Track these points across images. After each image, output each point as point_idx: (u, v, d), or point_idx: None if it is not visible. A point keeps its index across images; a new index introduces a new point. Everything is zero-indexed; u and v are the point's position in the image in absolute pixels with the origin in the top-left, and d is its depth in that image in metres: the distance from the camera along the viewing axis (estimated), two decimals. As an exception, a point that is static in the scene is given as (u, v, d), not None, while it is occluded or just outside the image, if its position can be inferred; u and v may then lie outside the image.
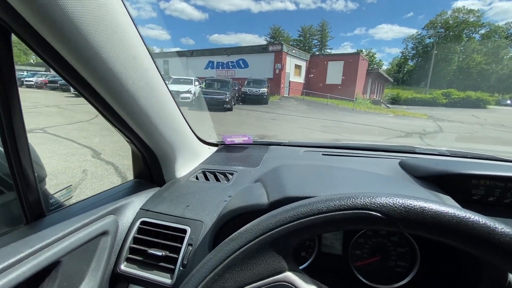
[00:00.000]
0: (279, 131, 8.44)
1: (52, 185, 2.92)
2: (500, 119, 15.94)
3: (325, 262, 0.68)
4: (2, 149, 0.64)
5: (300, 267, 0.62)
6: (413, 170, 0.90)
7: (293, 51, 23.18)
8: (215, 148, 1.28)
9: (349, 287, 0.64)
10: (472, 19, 55.87)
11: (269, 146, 1.27)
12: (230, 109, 12.64)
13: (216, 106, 12.12)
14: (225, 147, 1.29)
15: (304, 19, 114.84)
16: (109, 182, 3.12)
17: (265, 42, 58.09)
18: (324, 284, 0.57)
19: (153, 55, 0.66)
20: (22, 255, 0.49)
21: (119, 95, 0.59)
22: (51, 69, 0.54)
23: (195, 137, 1.07)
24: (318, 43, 64.39)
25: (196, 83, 14.89)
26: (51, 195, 0.70)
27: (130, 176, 3.37)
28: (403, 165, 0.95)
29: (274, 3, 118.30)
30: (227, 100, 12.39)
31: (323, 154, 1.14)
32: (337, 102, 19.47)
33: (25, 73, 21.03)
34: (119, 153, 4.23)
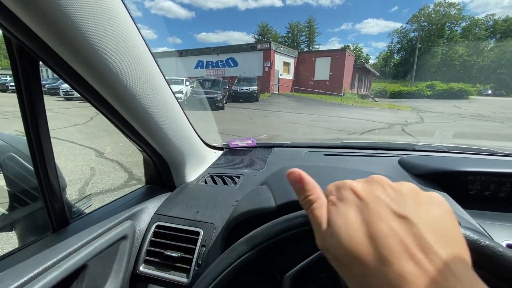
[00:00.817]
0: (271, 126, 8.81)
1: (68, 181, 3.22)
2: (479, 109, 16.80)
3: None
4: (26, 163, 0.73)
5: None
6: (411, 168, 0.93)
7: (281, 48, 23.57)
8: (220, 152, 1.31)
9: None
10: (453, 12, 57.44)
11: (272, 148, 1.31)
12: (222, 108, 12.96)
13: (208, 105, 12.43)
14: (230, 151, 1.33)
15: (292, 15, 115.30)
16: (116, 177, 3.44)
17: (253, 40, 58.27)
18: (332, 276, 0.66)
19: (157, 61, 0.67)
20: (52, 261, 0.53)
21: (130, 105, 0.61)
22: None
23: (201, 141, 1.09)
24: (306, 39, 64.99)
25: (187, 83, 15.10)
26: (73, 204, 0.74)
27: (135, 171, 3.70)
28: (402, 164, 0.98)
29: (261, 0, 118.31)
30: (218, 99, 12.71)
31: (325, 154, 1.17)
32: (326, 97, 19.98)
33: (8, 77, 20.38)
34: (121, 152, 4.53)
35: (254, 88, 16.44)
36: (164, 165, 0.90)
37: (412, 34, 59.52)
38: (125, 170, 3.71)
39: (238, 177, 1.01)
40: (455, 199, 0.74)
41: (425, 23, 57.52)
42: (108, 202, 0.81)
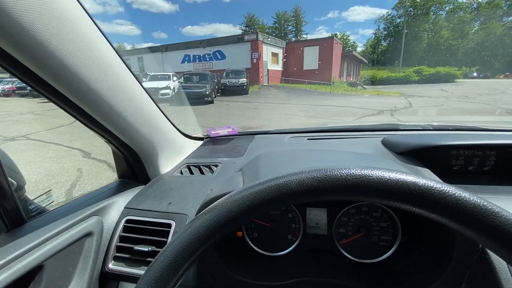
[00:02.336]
0: (261, 118, 8.77)
1: (52, 184, 3.13)
2: (465, 91, 17.12)
3: (311, 243, 0.71)
4: None
5: (287, 250, 0.70)
6: (393, 147, 0.91)
7: (269, 39, 23.30)
8: (200, 142, 1.27)
9: (336, 265, 0.67)
10: (438, -3, 57.74)
11: (254, 136, 1.27)
12: (211, 102, 12.79)
13: (196, 99, 12.24)
14: (210, 140, 1.29)
15: (278, 5, 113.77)
16: (105, 177, 3.36)
17: (240, 31, 57.46)
18: (311, 263, 0.66)
19: (120, 54, 0.65)
20: (1, 262, 0.49)
21: (87, 98, 0.59)
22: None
23: (179, 132, 1.07)
24: (294, 29, 64.43)
25: (174, 78, 14.81)
26: (31, 202, 0.70)
27: (124, 170, 3.63)
28: (385, 143, 0.97)
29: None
30: (207, 93, 12.52)
31: (308, 139, 1.14)
32: (315, 87, 19.97)
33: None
34: (109, 151, 4.41)
35: (243, 80, 16.24)
36: (134, 157, 0.86)
37: (398, 20, 59.74)
38: (114, 169, 3.63)
39: (216, 166, 0.97)
40: (439, 175, 0.72)
41: (411, 8, 57.74)
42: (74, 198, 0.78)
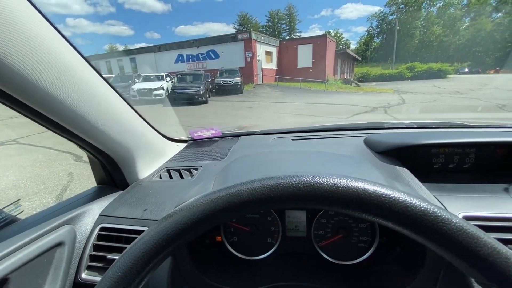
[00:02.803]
0: (255, 117, 8.75)
1: (42, 189, 3.05)
2: (457, 87, 17.33)
3: (291, 245, 0.71)
4: None
5: (267, 254, 0.69)
6: (374, 146, 0.91)
7: (262, 37, 23.24)
8: (184, 145, 1.24)
9: (316, 267, 0.66)
10: (429, -7, 58.30)
11: (239, 137, 1.25)
12: (205, 102, 12.72)
13: (190, 99, 12.16)
14: (194, 143, 1.25)
15: (271, 3, 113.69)
16: (97, 181, 3.30)
17: (234, 30, 57.23)
18: (291, 267, 0.66)
19: (84, 55, 0.62)
20: None
21: (50, 105, 0.56)
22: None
23: (159, 135, 1.04)
24: (287, 27, 64.46)
25: (168, 78, 14.69)
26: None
27: (116, 173, 3.56)
28: (367, 142, 0.97)
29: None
30: (201, 93, 12.44)
31: (292, 139, 1.14)
32: (310, 85, 19.99)
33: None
34: (101, 154, 4.35)
35: (238, 79, 16.17)
36: (111, 162, 0.83)
37: (390, 17, 60.22)
38: (106, 172, 3.57)
39: (196, 169, 0.95)
40: (419, 174, 0.73)
41: (403, 5, 58.19)
42: (46, 207, 0.74)
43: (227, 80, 16.20)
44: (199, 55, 23.93)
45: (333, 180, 0.32)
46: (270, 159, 0.70)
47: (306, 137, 1.15)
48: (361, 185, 0.31)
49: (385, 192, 0.30)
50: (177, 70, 20.17)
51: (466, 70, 42.99)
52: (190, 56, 24.33)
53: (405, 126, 1.15)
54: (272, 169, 0.61)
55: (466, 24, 54.55)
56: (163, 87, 13.09)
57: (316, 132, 1.21)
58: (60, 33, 0.55)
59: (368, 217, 0.31)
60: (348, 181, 0.32)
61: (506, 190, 0.70)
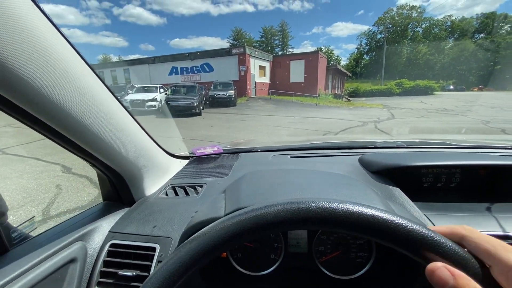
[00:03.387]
0: (249, 130, 8.79)
1: (27, 202, 2.95)
2: (444, 103, 17.97)
3: (293, 261, 0.73)
4: None
5: (270, 269, 0.72)
6: (368, 166, 0.96)
7: (256, 52, 23.75)
8: (186, 161, 1.26)
9: (316, 282, 0.70)
10: (415, 15, 61.33)
11: (239, 154, 1.28)
12: (199, 114, 12.74)
13: (184, 111, 12.17)
14: (196, 159, 1.28)
15: (264, 20, 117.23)
16: (86, 194, 3.21)
17: (228, 45, 58.30)
18: (293, 282, 0.70)
19: (97, 72, 0.63)
20: None
21: (65, 122, 0.57)
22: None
23: (163, 152, 1.06)
24: (280, 43, 66.15)
25: (161, 90, 14.70)
26: (14, 229, 0.69)
27: (106, 185, 3.48)
28: (361, 161, 1.01)
29: (233, 6, 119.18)
30: (195, 105, 12.47)
31: (291, 157, 1.17)
32: (302, 99, 20.35)
33: None
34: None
35: (231, 92, 16.33)
36: (119, 179, 0.85)
37: (379, 36, 62.75)
38: (95, 185, 3.48)
39: (201, 186, 0.97)
40: (410, 192, 0.78)
41: (390, 25, 60.84)
42: (58, 223, 0.74)
43: (221, 92, 16.33)
44: (194, 67, 24.17)
45: (347, 206, 0.37)
46: (278, 179, 0.73)
47: (304, 155, 1.19)
48: (370, 212, 0.36)
49: (390, 219, 0.35)
50: (171, 82, 20.26)
51: (451, 87, 44.73)
52: (185, 69, 24.54)
53: (396, 146, 1.22)
54: (281, 189, 0.64)
55: (450, 44, 57.30)
56: (156, 99, 13.07)
57: (312, 150, 1.26)
58: (74, 48, 0.55)
59: (377, 240, 0.36)
60: (359, 208, 0.37)
61: (488, 209, 0.75)
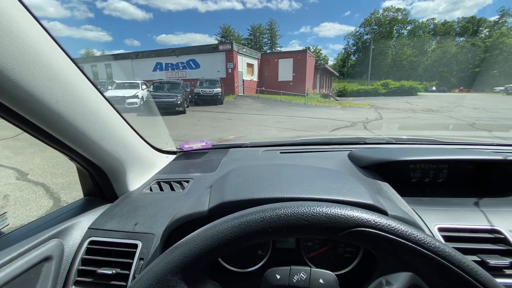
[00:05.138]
0: (235, 130, 8.38)
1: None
2: (428, 103, 18.25)
3: (280, 257, 0.71)
4: None
5: (257, 266, 0.70)
6: (358, 161, 0.97)
7: (244, 49, 23.26)
8: (173, 156, 1.23)
9: None
10: (400, 17, 62.74)
11: (228, 150, 1.26)
12: (183, 112, 12.18)
13: (167, 109, 11.54)
14: (183, 154, 1.25)
15: (253, 18, 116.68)
16: (36, 207, 2.71)
17: (216, 42, 57.42)
18: None
19: (78, 63, 0.60)
20: None
21: (41, 113, 0.54)
22: None
23: (149, 146, 1.03)
24: (269, 41, 65.88)
25: (144, 86, 13.99)
26: None
27: (63, 196, 2.99)
28: (351, 157, 1.02)
29: (222, 3, 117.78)
30: (178, 102, 11.89)
31: (281, 152, 1.16)
32: (290, 98, 20.12)
33: None
34: (52, 171, 3.73)
35: (218, 90, 15.80)
36: (100, 174, 0.82)
37: (365, 37, 63.73)
38: (51, 195, 2.98)
39: (187, 182, 0.95)
40: (399, 187, 0.78)
41: (376, 27, 61.93)
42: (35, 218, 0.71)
43: (207, 90, 15.78)
44: (179, 64, 23.35)
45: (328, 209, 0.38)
46: (265, 173, 0.72)
47: (294, 150, 1.19)
48: (369, 217, 0.38)
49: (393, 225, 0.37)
50: (155, 78, 19.50)
51: (434, 88, 46.06)
52: (170, 65, 23.67)
53: (385, 142, 1.23)
54: (268, 183, 0.63)
55: (433, 46, 59.01)
56: (137, 95, 12.37)
57: (303, 146, 1.25)
58: (53, 38, 0.54)
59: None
60: (342, 210, 0.38)
61: (476, 204, 0.77)
